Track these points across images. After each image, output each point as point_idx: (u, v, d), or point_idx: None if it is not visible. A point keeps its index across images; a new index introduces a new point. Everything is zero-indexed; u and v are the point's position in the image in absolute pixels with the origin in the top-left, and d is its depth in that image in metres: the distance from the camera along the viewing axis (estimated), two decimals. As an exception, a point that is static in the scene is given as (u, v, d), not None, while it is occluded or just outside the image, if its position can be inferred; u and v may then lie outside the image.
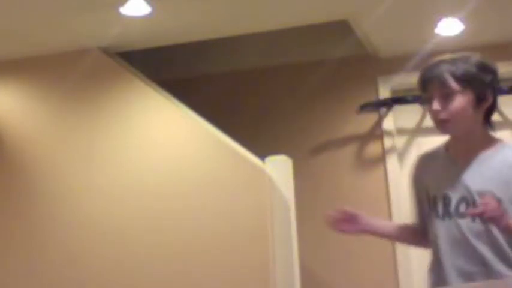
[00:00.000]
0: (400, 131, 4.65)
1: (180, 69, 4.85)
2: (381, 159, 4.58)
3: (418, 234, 2.54)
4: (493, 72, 2.43)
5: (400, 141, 4.63)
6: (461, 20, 3.99)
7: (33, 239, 4.06)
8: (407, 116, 4.63)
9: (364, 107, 4.57)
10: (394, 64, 4.52)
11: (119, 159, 4.03)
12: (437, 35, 4.17)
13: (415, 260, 4.35)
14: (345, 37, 4.27)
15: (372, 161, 4.62)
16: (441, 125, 2.36)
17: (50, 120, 4.20)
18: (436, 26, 4.07)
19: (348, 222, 2.52)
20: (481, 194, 2.24)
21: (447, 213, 2.33)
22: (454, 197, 2.32)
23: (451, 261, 2.32)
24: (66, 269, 3.97)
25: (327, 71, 4.66)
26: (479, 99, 2.35)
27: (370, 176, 4.59)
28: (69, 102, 4.18)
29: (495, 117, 4.70)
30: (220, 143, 3.90)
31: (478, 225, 2.26)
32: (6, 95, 4.29)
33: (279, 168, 3.83)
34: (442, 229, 2.35)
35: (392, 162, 4.56)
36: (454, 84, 2.31)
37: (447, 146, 2.45)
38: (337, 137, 4.72)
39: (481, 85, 2.35)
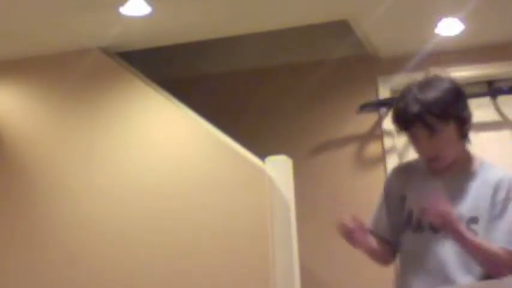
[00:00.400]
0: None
1: (180, 69, 4.85)
2: (381, 159, 4.58)
3: (386, 246, 2.52)
4: (462, 92, 2.40)
5: (400, 141, 4.63)
6: (461, 20, 3.99)
7: (33, 239, 4.06)
8: (408, 116, 4.63)
9: (364, 107, 4.57)
10: (394, 64, 4.52)
11: (119, 159, 4.03)
12: (437, 35, 4.17)
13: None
14: (345, 37, 4.27)
15: (372, 161, 4.62)
16: (432, 163, 2.34)
17: (50, 120, 4.20)
18: (436, 26, 4.06)
19: (358, 232, 2.45)
20: (460, 215, 2.23)
21: (420, 227, 2.32)
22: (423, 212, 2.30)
23: (416, 275, 2.31)
24: (66, 269, 3.97)
25: (327, 71, 4.66)
26: (461, 126, 2.34)
27: (370, 176, 4.59)
28: (69, 102, 4.18)
29: (495, 117, 4.72)
30: (220, 143, 3.90)
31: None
32: (6, 95, 4.29)
33: (279, 168, 3.83)
34: (412, 242, 2.34)
35: (392, 162, 4.55)
36: (435, 124, 2.26)
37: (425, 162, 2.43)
38: (337, 137, 4.72)
39: (460, 112, 2.33)
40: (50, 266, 4.00)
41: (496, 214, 2.21)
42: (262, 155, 3.84)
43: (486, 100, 4.54)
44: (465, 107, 2.36)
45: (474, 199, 2.26)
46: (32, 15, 3.70)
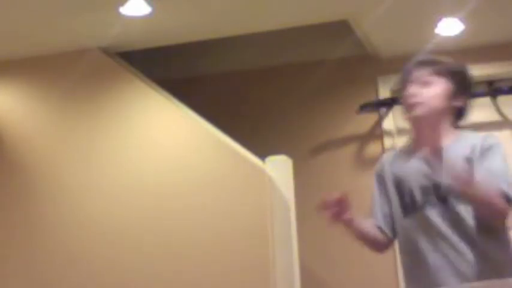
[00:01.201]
0: (400, 131, 4.64)
1: (180, 69, 4.85)
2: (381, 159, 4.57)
3: (381, 234, 2.55)
4: (471, 81, 2.50)
5: (400, 141, 4.63)
6: (461, 20, 3.99)
7: (33, 238, 4.06)
8: (407, 116, 4.63)
9: (364, 107, 4.57)
10: (394, 64, 4.50)
11: (119, 159, 4.03)
12: (437, 35, 4.17)
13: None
14: (345, 37, 4.27)
15: (372, 161, 4.61)
16: (411, 107, 2.38)
17: (50, 120, 4.20)
18: (436, 26, 4.07)
19: (340, 208, 2.52)
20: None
21: (416, 207, 2.36)
22: (430, 186, 2.34)
23: (436, 253, 2.33)
24: (66, 268, 3.97)
25: (327, 71, 4.66)
26: (454, 94, 2.40)
27: (370, 176, 4.57)
28: (69, 102, 4.18)
29: (495, 117, 4.72)
30: (220, 143, 3.90)
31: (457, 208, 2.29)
32: (6, 95, 4.29)
33: (279, 168, 3.83)
34: (419, 221, 2.36)
35: (392, 162, 4.56)
36: (433, 73, 2.38)
37: (412, 142, 2.48)
38: (337, 137, 4.72)
39: (460, 82, 2.42)
40: (50, 266, 4.00)
41: (477, 158, 2.28)
42: (262, 155, 3.84)
43: (486, 100, 4.54)
44: (465, 86, 2.46)
45: (460, 159, 2.29)
46: (32, 16, 3.70)
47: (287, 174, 3.87)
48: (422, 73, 2.39)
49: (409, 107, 2.39)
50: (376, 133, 4.65)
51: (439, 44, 4.26)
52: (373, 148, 4.65)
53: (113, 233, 3.94)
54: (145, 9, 3.66)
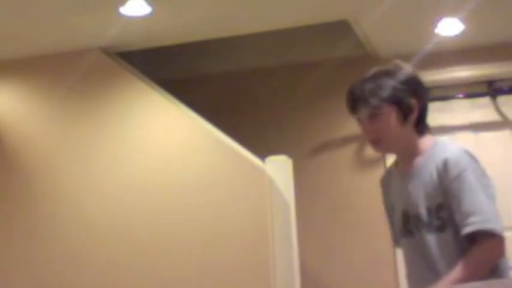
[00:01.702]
0: (400, 131, 4.64)
1: (180, 69, 4.85)
2: (381, 159, 4.57)
3: None
4: (415, 81, 2.36)
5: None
6: (461, 20, 3.99)
7: (33, 238, 4.06)
8: (407, 116, 4.63)
9: (364, 107, 4.56)
10: (394, 64, 4.51)
11: (119, 159, 4.03)
12: (437, 35, 4.17)
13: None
14: (345, 37, 4.27)
15: (371, 161, 4.62)
16: (373, 146, 2.34)
17: (50, 120, 4.20)
18: (436, 26, 4.07)
19: None
20: (427, 208, 2.23)
21: (409, 231, 2.31)
22: (411, 212, 2.30)
23: (415, 276, 2.32)
24: (65, 268, 3.97)
25: (327, 71, 4.66)
26: (405, 113, 2.29)
27: (370, 176, 4.58)
28: (69, 102, 4.18)
29: (495, 117, 4.72)
30: (220, 143, 3.90)
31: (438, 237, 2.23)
32: (6, 95, 4.29)
33: (279, 168, 3.83)
34: (408, 247, 2.34)
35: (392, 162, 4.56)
36: (376, 104, 2.28)
37: (396, 162, 2.43)
38: (337, 137, 4.72)
39: (405, 98, 2.29)
40: (50, 266, 4.00)
41: (451, 196, 2.18)
42: (262, 155, 3.84)
43: (486, 100, 4.54)
44: (411, 96, 2.30)
45: (431, 185, 2.24)
46: (32, 16, 3.70)
47: (287, 174, 3.87)
48: (366, 108, 2.29)
49: (372, 145, 2.36)
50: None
51: (439, 44, 4.26)
52: (373, 148, 4.64)
53: (112, 233, 3.95)
54: (145, 9, 3.66)
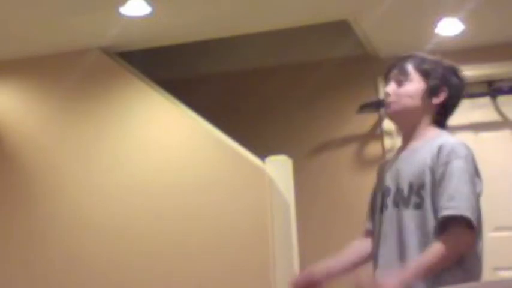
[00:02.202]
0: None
1: (180, 69, 4.85)
2: (381, 159, 4.58)
3: (368, 244, 2.51)
4: (454, 74, 2.42)
5: (400, 141, 4.63)
6: (461, 20, 3.99)
7: (33, 238, 4.06)
8: (407, 116, 4.63)
9: (364, 107, 4.57)
10: (394, 64, 4.52)
11: (119, 159, 4.03)
12: (437, 35, 4.17)
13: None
14: (345, 37, 4.27)
15: (372, 161, 4.62)
16: (387, 106, 2.37)
17: (50, 120, 4.20)
18: (436, 26, 4.06)
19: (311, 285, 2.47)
20: (409, 184, 2.25)
21: (385, 205, 2.34)
22: (392, 188, 2.33)
23: (383, 251, 2.32)
24: (66, 268, 3.97)
25: (327, 71, 4.66)
26: (431, 92, 2.33)
27: (370, 176, 4.57)
28: (69, 102, 4.18)
29: (495, 117, 4.72)
30: (220, 143, 3.90)
31: (413, 212, 2.24)
32: (6, 95, 4.29)
33: (279, 168, 3.83)
34: (383, 220, 2.35)
35: (392, 162, 4.56)
36: (409, 71, 2.34)
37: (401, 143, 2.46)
38: (337, 137, 4.72)
39: (437, 79, 2.34)
40: (50, 266, 4.00)
41: (438, 179, 2.20)
42: (262, 155, 3.84)
43: (486, 100, 4.54)
44: (444, 83, 2.36)
45: (421, 165, 2.25)
46: (32, 16, 3.70)
47: (287, 174, 3.87)
48: (400, 71, 2.36)
49: (386, 106, 2.40)
50: (376, 133, 4.65)
51: (439, 44, 4.26)
52: (373, 148, 4.65)
53: (112, 233, 3.95)
54: (145, 9, 3.66)
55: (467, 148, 2.27)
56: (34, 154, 4.18)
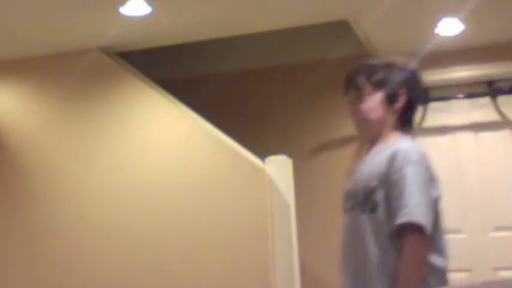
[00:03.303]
0: (400, 131, 4.64)
1: (180, 69, 4.85)
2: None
3: None
4: (410, 74, 2.41)
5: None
6: (461, 20, 3.99)
7: (33, 238, 4.06)
8: (407, 116, 4.63)
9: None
10: (394, 64, 4.51)
11: (119, 159, 4.03)
12: (437, 35, 4.17)
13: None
14: (345, 37, 4.27)
15: (371, 161, 4.61)
16: (355, 126, 2.43)
17: (49, 120, 4.20)
18: (436, 26, 4.06)
19: None
20: (364, 187, 2.27)
21: (345, 209, 2.37)
22: (351, 192, 2.36)
23: (344, 254, 2.35)
24: (66, 268, 3.97)
25: (327, 71, 4.65)
26: (389, 100, 2.36)
27: (370, 176, 4.58)
28: (69, 102, 4.18)
29: (495, 117, 4.72)
30: (220, 143, 3.90)
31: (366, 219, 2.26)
32: (6, 95, 4.29)
33: (279, 168, 3.83)
34: (343, 224, 2.38)
35: (392, 162, 4.56)
36: (363, 86, 2.37)
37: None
38: (337, 137, 4.72)
39: (392, 86, 2.36)
40: (50, 266, 4.00)
41: (391, 185, 2.21)
42: (262, 155, 3.84)
43: (486, 100, 4.54)
44: (400, 87, 2.36)
45: (376, 170, 2.28)
46: (32, 16, 3.70)
47: (287, 174, 3.87)
48: (355, 88, 2.39)
49: (356, 127, 2.45)
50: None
51: (439, 44, 4.26)
52: (373, 148, 4.64)
53: (112, 232, 3.95)
54: (145, 9, 3.66)
55: (420, 153, 2.28)
56: (34, 154, 4.18)
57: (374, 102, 2.36)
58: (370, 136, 2.43)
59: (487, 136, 4.54)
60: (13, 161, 4.19)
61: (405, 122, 2.40)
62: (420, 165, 2.23)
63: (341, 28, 4.09)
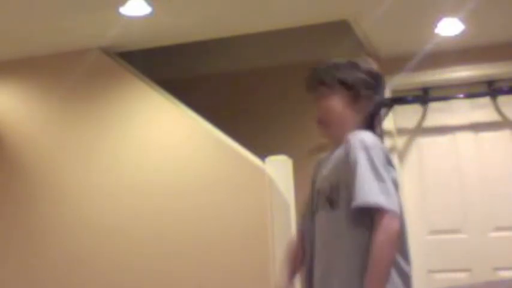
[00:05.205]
0: (400, 131, 4.65)
1: (180, 69, 4.85)
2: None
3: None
4: (373, 75, 2.36)
5: (400, 141, 4.63)
6: (461, 20, 3.99)
7: (33, 238, 4.06)
8: (407, 116, 4.64)
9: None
10: (394, 64, 4.52)
11: (119, 159, 4.03)
12: (437, 35, 4.17)
13: (414, 260, 4.34)
14: (345, 37, 4.27)
15: (371, 161, 4.61)
16: (319, 129, 2.37)
17: (49, 120, 4.20)
18: (436, 26, 4.07)
19: None
20: (330, 184, 2.23)
21: (315, 208, 2.33)
22: (319, 190, 2.32)
23: (311, 256, 2.30)
24: (66, 268, 3.97)
25: (327, 71, 4.65)
26: (350, 100, 2.31)
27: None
28: (69, 102, 4.18)
29: (495, 117, 4.72)
30: (220, 143, 3.90)
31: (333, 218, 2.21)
32: (6, 95, 4.29)
33: (279, 168, 3.83)
34: (313, 224, 2.33)
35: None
36: (322, 87, 2.35)
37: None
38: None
39: (352, 86, 2.31)
40: (50, 266, 4.00)
41: (348, 173, 2.16)
42: (262, 155, 3.84)
43: (486, 100, 4.54)
44: (360, 85, 2.31)
45: (335, 166, 2.25)
46: (32, 16, 3.70)
47: (287, 174, 3.87)
48: (315, 91, 2.37)
49: (318, 127, 2.39)
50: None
51: (439, 44, 4.26)
52: (373, 148, 4.64)
53: (112, 232, 3.95)
54: (145, 9, 3.66)
55: (373, 139, 2.24)
56: (34, 154, 4.18)
57: (334, 104, 2.33)
58: (332, 136, 2.38)
59: (487, 136, 4.54)
60: (13, 161, 4.19)
61: (368, 123, 2.37)
62: (374, 150, 2.18)
63: (341, 28, 4.09)
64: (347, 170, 2.17)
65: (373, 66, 2.39)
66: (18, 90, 4.29)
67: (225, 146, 3.89)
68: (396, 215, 2.07)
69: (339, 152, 2.27)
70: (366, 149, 2.17)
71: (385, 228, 2.06)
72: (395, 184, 2.19)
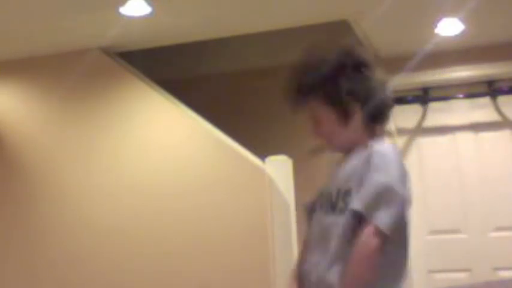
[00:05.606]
0: (400, 131, 4.65)
1: (180, 69, 4.85)
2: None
3: None
4: (359, 81, 2.30)
5: (400, 141, 4.63)
6: (461, 20, 3.99)
7: (33, 238, 4.06)
8: (407, 116, 4.64)
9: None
10: (394, 64, 4.51)
11: (119, 159, 4.03)
12: (437, 35, 4.17)
13: (414, 260, 4.35)
14: (345, 37, 4.27)
15: (371, 161, 4.61)
16: (327, 145, 2.33)
17: (49, 120, 4.20)
18: (436, 26, 4.06)
19: None
20: (338, 189, 2.19)
21: (314, 209, 2.31)
22: (321, 194, 2.29)
23: (310, 257, 2.27)
24: (66, 268, 3.97)
25: (327, 71, 4.64)
26: (343, 117, 2.24)
27: (370, 176, 4.58)
28: (69, 102, 4.18)
29: (495, 117, 4.72)
30: (220, 143, 3.90)
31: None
32: (6, 95, 4.29)
33: (279, 168, 3.83)
34: (313, 223, 2.31)
35: (392, 162, 4.55)
36: (315, 110, 2.29)
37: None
38: (337, 137, 4.71)
39: (339, 103, 2.24)
40: (50, 266, 4.00)
41: (364, 189, 2.10)
42: (262, 155, 3.84)
43: (486, 100, 4.54)
44: (352, 97, 2.23)
45: (349, 172, 2.20)
46: (32, 16, 3.70)
47: (287, 174, 3.87)
48: (308, 108, 2.30)
49: (323, 144, 2.33)
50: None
51: (439, 44, 4.26)
52: (373, 148, 4.64)
53: (112, 233, 3.95)
54: (145, 9, 3.66)
55: (397, 152, 2.19)
56: (34, 154, 4.18)
57: (330, 124, 2.26)
58: (335, 147, 2.36)
59: (487, 136, 4.54)
60: (13, 161, 4.19)
61: (374, 125, 2.28)
62: (392, 170, 2.11)
63: (341, 28, 4.09)
64: (363, 179, 2.11)
65: (363, 54, 2.34)
66: (18, 90, 4.29)
67: (225, 146, 3.89)
68: (381, 235, 1.99)
69: (355, 162, 2.20)
70: (386, 169, 2.09)
71: (364, 240, 2.00)
72: (406, 203, 2.10)
